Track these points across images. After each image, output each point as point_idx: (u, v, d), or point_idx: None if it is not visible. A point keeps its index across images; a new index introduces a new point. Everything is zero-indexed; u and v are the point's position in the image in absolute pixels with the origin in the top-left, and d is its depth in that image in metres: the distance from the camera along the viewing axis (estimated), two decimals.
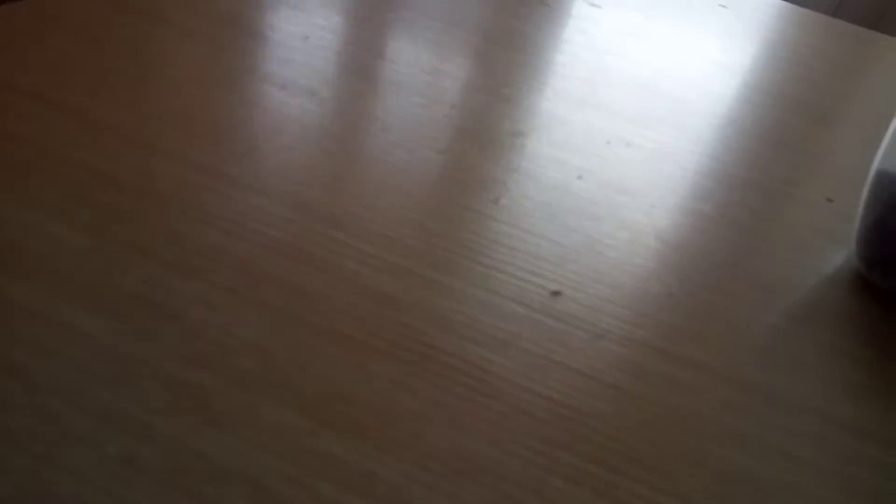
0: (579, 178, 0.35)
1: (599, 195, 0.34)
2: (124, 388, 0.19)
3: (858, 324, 0.30)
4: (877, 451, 0.24)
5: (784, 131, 0.46)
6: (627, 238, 0.31)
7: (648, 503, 0.20)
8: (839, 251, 0.34)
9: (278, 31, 0.42)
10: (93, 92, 0.32)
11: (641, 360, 0.25)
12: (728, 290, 0.30)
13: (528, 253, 0.29)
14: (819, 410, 0.25)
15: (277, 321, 0.22)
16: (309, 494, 0.18)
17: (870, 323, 0.30)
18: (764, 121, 0.47)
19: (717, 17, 0.69)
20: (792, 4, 0.82)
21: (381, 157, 0.33)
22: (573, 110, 0.42)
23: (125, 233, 0.24)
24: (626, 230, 0.32)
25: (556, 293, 0.27)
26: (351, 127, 0.34)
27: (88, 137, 0.29)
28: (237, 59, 0.38)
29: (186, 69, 0.35)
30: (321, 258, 0.25)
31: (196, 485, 0.17)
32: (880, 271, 0.31)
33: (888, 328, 0.30)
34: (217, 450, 0.18)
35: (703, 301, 0.29)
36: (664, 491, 0.21)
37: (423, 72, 0.42)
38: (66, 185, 0.26)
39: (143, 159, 0.28)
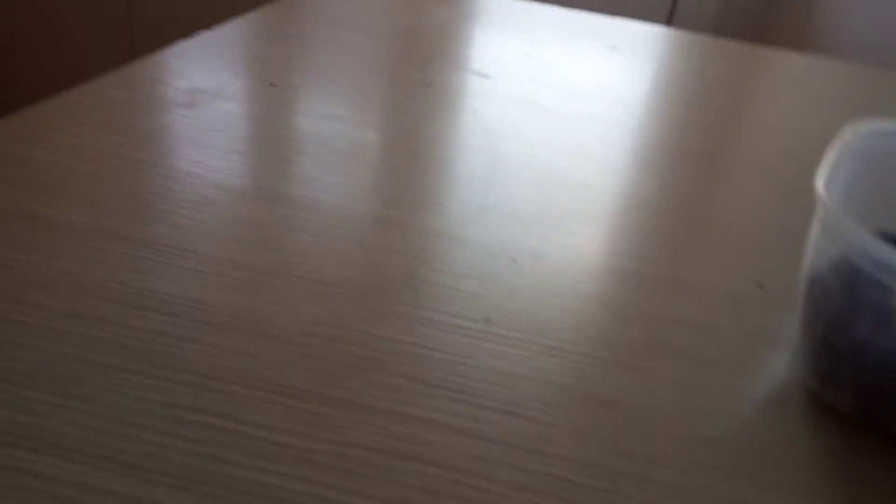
0: (487, 321, 0.30)
1: (512, 338, 0.29)
2: None
3: (818, 457, 0.26)
4: None
5: (692, 203, 0.43)
6: (553, 401, 0.27)
7: None
8: (781, 359, 0.31)
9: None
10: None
11: None
12: (660, 427, 0.25)
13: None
14: None
15: None
16: None
17: (831, 456, 0.26)
18: (669, 192, 0.44)
19: (608, 62, 0.67)
20: (674, 30, 0.82)
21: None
22: (469, 222, 0.37)
23: None
24: (552, 388, 0.27)
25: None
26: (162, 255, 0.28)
27: None
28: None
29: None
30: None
31: None
32: (833, 392, 0.27)
33: (853, 462, 0.26)
34: None
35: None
36: None
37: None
38: None
39: None
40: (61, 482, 0.21)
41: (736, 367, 0.30)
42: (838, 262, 0.27)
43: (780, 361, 0.30)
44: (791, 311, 0.34)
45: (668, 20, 1.73)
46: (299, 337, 0.28)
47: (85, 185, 0.36)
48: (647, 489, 0.23)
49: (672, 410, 0.27)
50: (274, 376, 0.26)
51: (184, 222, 0.34)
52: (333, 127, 0.46)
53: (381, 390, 0.26)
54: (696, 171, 0.48)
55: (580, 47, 0.71)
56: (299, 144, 0.43)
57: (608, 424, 0.26)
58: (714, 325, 0.32)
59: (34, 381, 0.24)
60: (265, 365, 0.26)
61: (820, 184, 0.27)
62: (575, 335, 0.30)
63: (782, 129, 0.58)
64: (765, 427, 0.27)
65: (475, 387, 0.26)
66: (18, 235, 0.31)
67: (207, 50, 0.55)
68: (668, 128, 0.55)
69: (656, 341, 0.30)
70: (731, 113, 0.61)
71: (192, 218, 0.34)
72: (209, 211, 0.35)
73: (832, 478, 0.25)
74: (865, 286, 0.25)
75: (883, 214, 0.31)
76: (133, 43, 1.55)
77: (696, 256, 0.38)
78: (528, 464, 0.24)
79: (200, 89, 0.48)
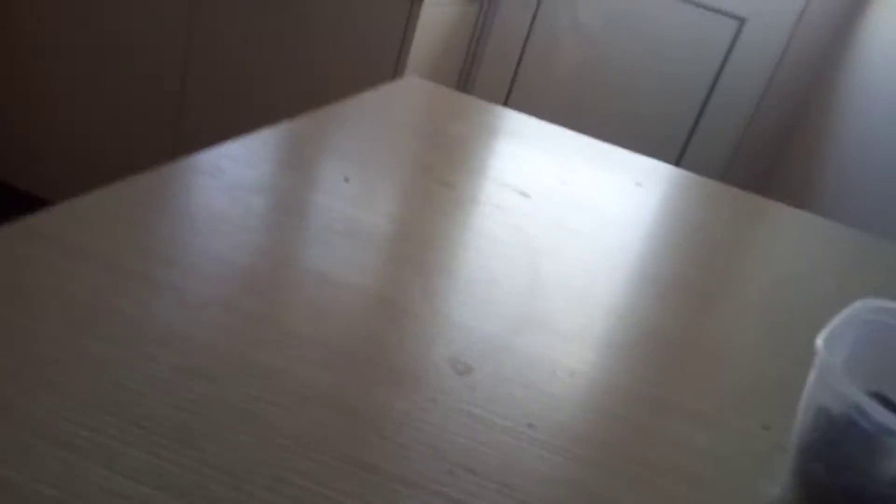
0: (529, 426, 0.35)
1: (554, 449, 0.33)
2: None
3: None
4: None
5: (707, 339, 0.49)
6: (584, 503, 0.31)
7: None
8: (777, 493, 0.35)
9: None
10: (15, 376, 0.29)
11: None
12: None
13: None
14: None
15: None
16: None
17: None
18: (686, 326, 0.49)
19: (635, 196, 0.74)
20: (690, 173, 0.90)
21: (332, 421, 0.31)
22: (515, 333, 0.42)
23: None
24: (582, 492, 0.31)
25: None
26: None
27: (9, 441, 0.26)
28: None
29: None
30: None
31: None
32: None
33: None
34: None
35: None
36: None
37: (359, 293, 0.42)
38: None
39: (69, 467, 0.25)
40: None
41: (738, 495, 0.34)
42: (829, 412, 0.32)
43: (776, 496, 0.35)
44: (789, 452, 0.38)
45: (678, 161, 1.85)
46: (374, 416, 0.32)
47: (193, 252, 0.41)
48: None
49: None
50: (352, 451, 0.30)
51: (278, 299, 0.39)
52: (391, 226, 0.52)
53: (436, 473, 0.30)
54: (710, 308, 0.54)
55: (610, 179, 0.79)
56: (370, 239, 0.49)
57: None
58: (723, 456, 0.36)
59: (158, 428, 0.28)
60: (345, 439, 0.30)
61: (821, 340, 0.33)
62: (606, 447, 0.34)
63: (788, 282, 0.64)
64: None
65: (517, 483, 0.31)
66: (138, 292, 0.36)
67: (267, 146, 0.62)
68: (686, 266, 0.61)
69: (671, 464, 0.35)
70: (742, 259, 0.67)
71: (285, 296, 0.39)
72: (300, 292, 0.40)
73: None
74: (854, 438, 0.30)
75: (880, 380, 0.36)
76: (174, 148, 1.65)
77: (710, 391, 0.42)
78: None
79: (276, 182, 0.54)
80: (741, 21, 1.73)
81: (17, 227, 0.38)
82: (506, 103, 1.91)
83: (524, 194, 0.66)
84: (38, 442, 0.26)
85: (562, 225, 0.62)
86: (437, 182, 0.63)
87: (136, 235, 0.41)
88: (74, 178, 1.80)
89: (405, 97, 0.89)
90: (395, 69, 1.45)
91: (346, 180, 0.58)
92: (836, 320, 0.35)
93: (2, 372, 0.28)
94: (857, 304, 0.36)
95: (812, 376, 0.34)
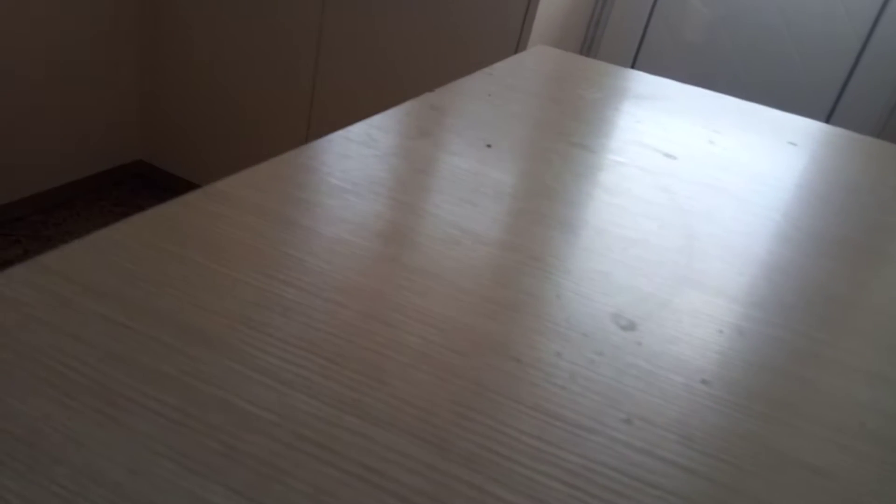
0: (704, 382, 0.34)
1: (729, 405, 0.33)
2: None
3: None
4: None
5: (884, 298, 0.45)
6: (764, 458, 0.30)
7: None
8: None
9: None
10: (226, 314, 0.32)
11: None
12: None
13: (673, 492, 0.27)
14: None
15: None
16: None
17: None
18: (853, 285, 0.46)
19: (789, 156, 0.69)
20: (847, 131, 0.82)
21: (501, 366, 0.32)
22: (675, 291, 0.41)
23: (276, 494, 0.24)
24: (769, 453, 0.30)
25: None
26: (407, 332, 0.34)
27: (233, 373, 0.29)
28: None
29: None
30: None
31: None
32: None
33: None
34: None
35: None
36: None
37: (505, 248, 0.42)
38: (216, 435, 0.26)
39: (282, 396, 0.28)
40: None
41: None
42: None
43: None
44: None
45: (827, 120, 1.70)
46: (544, 366, 0.33)
47: (357, 212, 0.43)
48: None
49: (871, 487, 0.29)
50: (527, 395, 0.31)
51: (436, 255, 0.40)
52: (535, 188, 0.52)
53: (613, 421, 0.30)
54: (879, 268, 0.50)
55: (760, 140, 0.74)
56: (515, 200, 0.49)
57: (815, 487, 0.29)
58: None
59: (350, 364, 0.30)
60: (519, 384, 0.31)
61: None
62: (783, 404, 0.33)
63: None
64: None
65: (697, 436, 0.30)
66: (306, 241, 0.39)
67: (419, 113, 0.64)
68: (850, 225, 0.56)
69: (856, 425, 0.33)
70: None
71: (443, 251, 0.41)
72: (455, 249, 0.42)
73: None
74: None
75: None
76: (308, 132, 1.73)
77: (888, 351, 0.39)
78: None
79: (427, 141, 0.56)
80: None
81: (208, 189, 0.42)
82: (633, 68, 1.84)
83: (669, 156, 0.64)
84: (252, 373, 0.29)
85: (712, 185, 0.59)
86: (577, 146, 0.63)
87: (305, 196, 0.44)
88: (227, 166, 1.94)
89: (536, 65, 0.88)
90: (519, 39, 1.44)
91: (489, 146, 0.59)
92: None
93: (210, 312, 0.32)
94: None
95: None
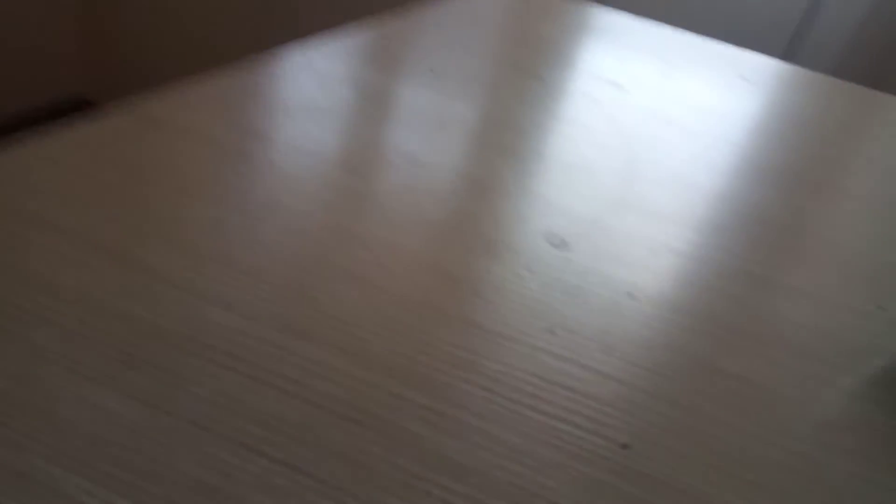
0: (629, 296, 0.34)
1: (654, 317, 0.33)
2: None
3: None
4: None
5: (813, 224, 0.46)
6: (684, 366, 0.30)
7: None
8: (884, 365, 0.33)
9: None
10: (135, 231, 0.31)
11: None
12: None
13: (590, 395, 0.27)
14: None
15: (342, 501, 0.21)
16: None
17: None
18: (791, 212, 0.46)
19: (738, 90, 0.69)
20: (801, 68, 0.83)
21: (430, 282, 0.32)
22: (611, 213, 0.41)
23: (177, 402, 0.23)
24: (689, 360, 0.31)
25: (625, 446, 0.25)
26: (390, 263, 0.33)
27: (135, 285, 0.28)
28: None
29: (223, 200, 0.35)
30: (381, 419, 0.24)
31: None
32: None
33: None
34: None
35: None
36: None
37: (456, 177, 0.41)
38: (113, 344, 0.25)
39: (191, 309, 0.27)
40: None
41: (844, 367, 0.32)
42: None
43: (888, 367, 0.33)
44: None
45: (784, 55, 1.70)
46: (472, 281, 0.32)
47: (289, 134, 0.42)
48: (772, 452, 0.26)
49: (788, 393, 0.30)
50: (453, 308, 0.30)
51: (372, 177, 0.39)
52: (479, 115, 0.51)
53: (536, 331, 0.30)
54: (819, 196, 0.50)
55: (712, 74, 0.74)
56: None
57: (733, 393, 0.29)
58: (830, 331, 0.35)
59: (273, 279, 0.29)
60: (445, 298, 0.31)
61: None
62: (709, 317, 0.33)
63: None
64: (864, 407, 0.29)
65: (618, 345, 0.30)
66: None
67: (372, 42, 0.61)
68: (795, 156, 0.57)
69: (775, 335, 0.33)
70: (854, 151, 0.62)
71: (379, 174, 0.40)
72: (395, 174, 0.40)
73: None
74: None
75: None
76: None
77: (820, 272, 0.40)
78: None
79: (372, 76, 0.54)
80: None
81: (137, 111, 0.40)
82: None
83: (619, 86, 0.63)
84: (164, 287, 0.28)
85: (660, 116, 0.58)
86: (526, 76, 0.61)
87: (235, 117, 0.42)
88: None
89: (491, 0, 0.85)
90: None
91: (431, 71, 0.57)
92: None
93: (127, 227, 0.30)
94: None
95: None
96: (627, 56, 0.73)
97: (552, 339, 0.30)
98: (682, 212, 0.43)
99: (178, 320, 0.26)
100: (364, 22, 0.64)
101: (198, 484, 0.20)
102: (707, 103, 0.64)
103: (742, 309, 0.35)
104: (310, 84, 0.49)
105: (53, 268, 0.27)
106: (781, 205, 0.47)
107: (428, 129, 0.47)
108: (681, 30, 0.88)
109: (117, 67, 1.89)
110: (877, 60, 1.68)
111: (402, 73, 0.55)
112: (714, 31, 1.69)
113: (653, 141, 0.53)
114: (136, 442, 0.21)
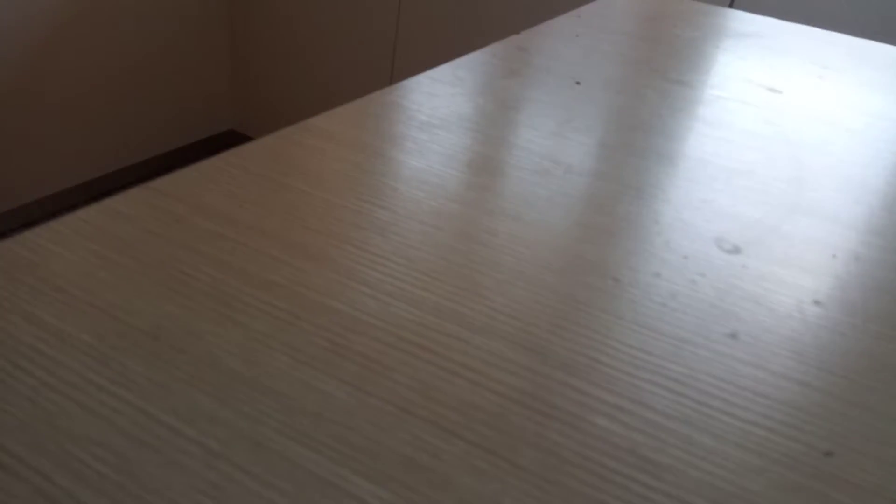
0: (816, 303, 0.32)
1: (845, 325, 0.31)
2: None
3: None
4: None
5: None
6: (882, 374, 0.28)
7: None
8: None
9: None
10: (328, 234, 0.33)
11: None
12: None
13: (785, 402, 0.26)
14: None
15: (542, 489, 0.21)
16: None
17: None
18: None
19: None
20: None
21: (598, 284, 0.32)
22: (785, 218, 0.39)
23: (382, 386, 0.25)
24: (886, 369, 0.28)
25: (828, 454, 0.24)
26: (560, 261, 0.34)
27: (337, 283, 0.30)
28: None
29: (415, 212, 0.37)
30: (569, 412, 0.24)
31: None
32: None
33: None
34: None
35: None
36: None
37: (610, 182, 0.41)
38: (324, 334, 0.27)
39: (384, 305, 0.29)
40: None
41: None
42: None
43: None
44: None
45: None
46: (642, 286, 0.32)
47: (444, 145, 0.43)
48: None
49: None
50: (625, 311, 0.30)
51: (525, 183, 0.40)
52: (629, 122, 0.50)
53: (716, 335, 0.29)
54: None
55: (875, 75, 0.68)
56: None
57: None
58: None
59: (442, 275, 0.31)
60: (615, 301, 0.31)
61: None
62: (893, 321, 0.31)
63: None
64: None
65: (810, 353, 0.29)
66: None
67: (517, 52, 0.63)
68: None
69: None
70: None
71: (532, 182, 0.40)
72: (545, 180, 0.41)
73: None
74: None
75: None
76: (393, 71, 1.74)
77: None
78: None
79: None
80: None
81: (304, 125, 0.44)
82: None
83: (774, 90, 0.60)
84: (355, 284, 0.30)
85: (822, 119, 0.55)
86: (672, 82, 0.60)
87: (396, 131, 0.44)
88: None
89: (626, 7, 0.85)
90: None
91: (578, 83, 0.57)
92: None
93: (313, 231, 0.33)
94: None
95: None
96: (777, 59, 0.70)
97: (736, 345, 0.29)
98: (862, 216, 0.40)
99: (374, 314, 0.28)
100: (504, 40, 0.66)
101: (410, 461, 0.22)
102: (873, 105, 0.60)
103: None
104: (459, 100, 0.51)
105: (265, 268, 0.30)
106: None
107: (577, 137, 0.47)
108: (833, 32, 0.82)
109: (264, 104, 2.05)
110: None
111: (548, 84, 0.56)
112: (872, 35, 1.56)
113: (819, 144, 0.50)
114: (351, 421, 0.23)
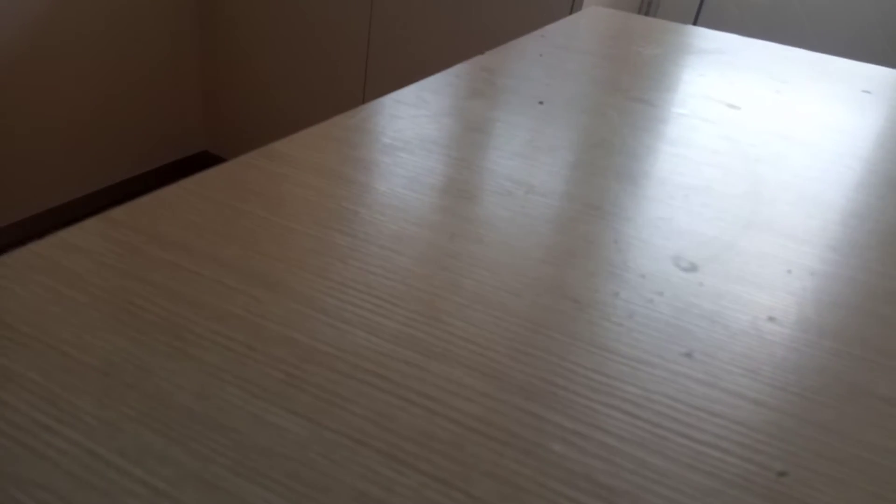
0: (771, 319, 0.33)
1: (800, 341, 0.31)
2: None
3: None
4: None
5: None
6: (837, 391, 0.29)
7: None
8: None
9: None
10: (284, 261, 0.33)
11: None
12: None
13: (739, 421, 0.26)
14: None
15: None
16: None
17: None
18: None
19: (862, 104, 0.65)
20: None
21: (557, 306, 0.32)
22: (741, 235, 0.40)
23: (340, 418, 0.24)
24: (840, 385, 0.29)
25: (782, 473, 0.24)
26: (518, 285, 0.34)
27: (295, 312, 0.30)
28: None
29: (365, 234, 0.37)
30: (525, 439, 0.24)
31: None
32: None
33: None
34: None
35: None
36: None
37: (566, 200, 0.42)
38: (279, 366, 0.26)
39: (342, 333, 0.29)
40: None
41: None
42: None
43: None
44: None
45: None
46: (600, 305, 0.32)
47: (409, 169, 0.43)
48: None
49: None
50: (584, 332, 0.30)
51: (487, 205, 0.40)
52: (591, 141, 0.51)
53: (673, 355, 0.29)
54: None
55: (831, 88, 0.70)
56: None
57: (892, 418, 0.27)
58: None
59: (408, 305, 0.31)
60: (574, 322, 0.31)
61: None
62: (858, 340, 0.31)
63: None
64: None
65: (764, 370, 0.29)
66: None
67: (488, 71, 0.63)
68: None
69: None
70: None
71: (495, 203, 0.41)
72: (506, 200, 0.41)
73: None
74: None
75: None
76: (365, 88, 1.75)
77: None
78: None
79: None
80: None
81: (265, 150, 0.43)
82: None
83: (733, 106, 0.62)
84: (312, 312, 0.29)
85: (780, 134, 0.56)
86: (634, 100, 0.61)
87: (359, 155, 0.44)
88: None
89: (590, 26, 0.86)
90: (573, 2, 1.41)
91: (541, 103, 0.58)
92: None
93: (272, 259, 0.33)
94: None
95: None
96: (737, 75, 0.71)
97: (691, 364, 0.29)
98: (817, 231, 0.41)
99: (331, 343, 0.28)
100: (468, 61, 0.66)
101: (362, 495, 0.21)
102: (830, 119, 0.61)
103: (893, 329, 0.33)
104: (424, 121, 0.51)
105: (221, 298, 0.30)
106: None
107: (540, 157, 0.47)
108: (790, 47, 0.84)
109: (236, 125, 2.04)
110: None
111: (511, 104, 0.56)
112: (830, 50, 1.61)
113: (776, 160, 0.51)
114: (305, 455, 0.22)
